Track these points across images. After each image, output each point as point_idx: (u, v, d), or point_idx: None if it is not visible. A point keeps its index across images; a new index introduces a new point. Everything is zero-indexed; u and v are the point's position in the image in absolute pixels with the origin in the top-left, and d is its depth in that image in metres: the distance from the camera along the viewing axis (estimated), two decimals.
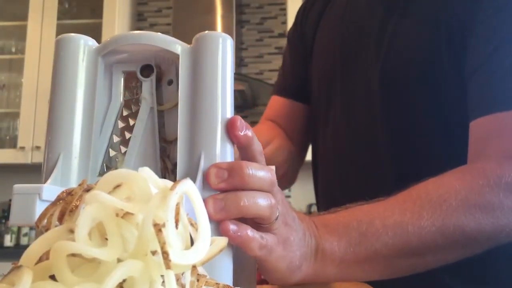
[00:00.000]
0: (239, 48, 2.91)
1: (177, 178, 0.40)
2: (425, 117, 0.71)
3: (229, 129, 0.41)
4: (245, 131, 0.41)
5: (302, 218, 0.48)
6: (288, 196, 2.73)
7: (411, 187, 0.56)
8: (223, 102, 0.41)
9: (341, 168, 0.81)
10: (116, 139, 0.46)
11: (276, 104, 0.95)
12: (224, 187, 0.39)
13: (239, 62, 2.91)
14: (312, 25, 0.91)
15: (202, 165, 0.40)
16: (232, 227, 0.39)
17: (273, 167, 0.44)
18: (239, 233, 0.39)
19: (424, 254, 0.53)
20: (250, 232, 0.40)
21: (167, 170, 0.46)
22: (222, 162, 0.40)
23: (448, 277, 0.69)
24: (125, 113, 0.46)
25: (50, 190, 0.37)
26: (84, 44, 0.43)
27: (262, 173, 0.41)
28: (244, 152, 0.43)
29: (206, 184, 0.40)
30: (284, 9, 2.85)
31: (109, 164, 0.45)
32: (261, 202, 0.40)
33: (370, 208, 0.53)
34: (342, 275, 0.51)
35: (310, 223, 0.49)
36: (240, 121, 0.41)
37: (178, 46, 0.43)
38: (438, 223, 0.52)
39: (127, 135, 0.45)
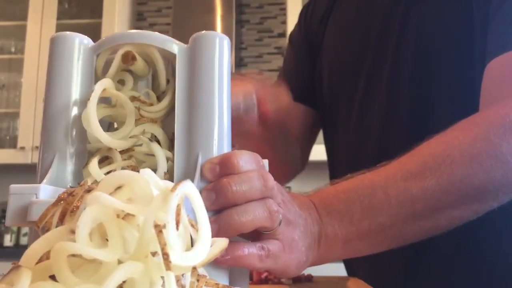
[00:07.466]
0: (238, 48, 2.91)
1: (174, 179, 0.40)
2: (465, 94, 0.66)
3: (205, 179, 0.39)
4: (218, 172, 0.39)
5: (302, 205, 0.46)
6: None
7: (414, 149, 0.53)
8: (220, 102, 0.41)
9: (375, 158, 0.74)
10: None
11: None
12: (216, 209, 0.38)
13: (239, 62, 2.90)
14: (320, 21, 0.87)
15: (200, 165, 0.39)
16: None
17: (266, 162, 0.42)
18: (228, 256, 0.37)
19: (432, 215, 0.50)
20: (245, 249, 0.38)
21: None
22: (209, 184, 0.39)
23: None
24: None
25: (47, 190, 0.37)
26: (79, 42, 0.43)
27: (250, 183, 0.38)
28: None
29: (203, 184, 0.39)
30: (284, 9, 2.85)
31: None
32: (258, 214, 0.38)
33: (372, 177, 0.51)
34: (348, 254, 0.49)
35: (310, 207, 0.47)
36: (207, 168, 0.39)
37: (175, 46, 0.42)
38: (443, 181, 0.49)
39: None
